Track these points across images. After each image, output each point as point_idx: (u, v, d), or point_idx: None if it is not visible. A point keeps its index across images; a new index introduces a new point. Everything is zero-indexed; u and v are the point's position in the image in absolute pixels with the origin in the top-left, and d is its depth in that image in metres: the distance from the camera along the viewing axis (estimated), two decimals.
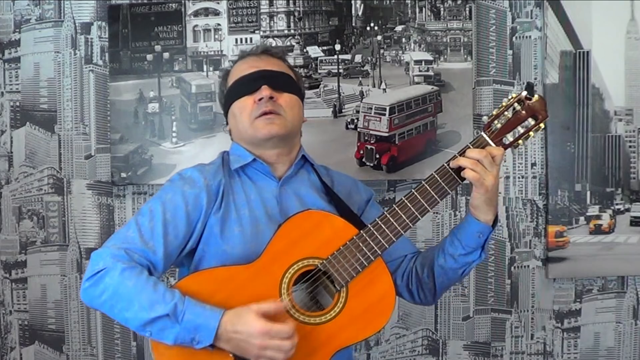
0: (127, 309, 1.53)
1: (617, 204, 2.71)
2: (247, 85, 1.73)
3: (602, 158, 2.71)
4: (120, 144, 2.64)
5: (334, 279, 1.61)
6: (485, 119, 1.66)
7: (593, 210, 2.71)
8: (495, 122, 1.64)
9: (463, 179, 1.62)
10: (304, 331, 1.58)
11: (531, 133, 1.66)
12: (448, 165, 1.63)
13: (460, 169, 1.61)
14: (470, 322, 2.76)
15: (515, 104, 1.64)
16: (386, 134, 2.63)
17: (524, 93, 1.65)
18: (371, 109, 2.64)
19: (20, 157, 2.74)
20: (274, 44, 2.65)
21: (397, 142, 2.64)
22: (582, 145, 2.70)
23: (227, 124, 1.84)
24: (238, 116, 1.75)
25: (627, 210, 2.72)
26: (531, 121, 1.65)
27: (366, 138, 2.64)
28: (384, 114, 2.63)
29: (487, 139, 1.63)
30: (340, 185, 1.84)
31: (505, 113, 1.64)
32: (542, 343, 2.76)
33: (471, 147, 1.62)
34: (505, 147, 1.64)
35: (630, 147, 2.72)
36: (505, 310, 2.76)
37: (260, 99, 1.71)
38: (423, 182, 1.63)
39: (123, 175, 2.64)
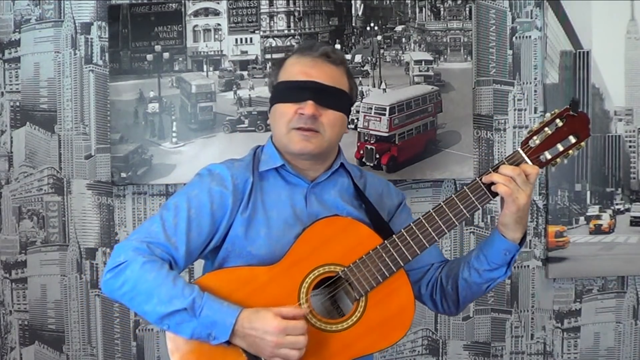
0: (146, 301, 1.54)
1: (617, 204, 2.71)
2: (294, 93, 1.68)
3: (602, 158, 2.71)
4: (120, 144, 2.64)
5: (354, 288, 1.60)
6: (525, 132, 1.62)
7: (593, 210, 2.71)
8: (534, 137, 1.59)
9: (495, 194, 1.59)
10: (320, 337, 1.58)
11: (571, 152, 1.61)
12: (480, 179, 1.60)
13: (492, 185, 1.58)
14: (470, 322, 2.76)
15: (557, 120, 1.59)
16: (386, 134, 2.63)
17: (564, 108, 1.59)
18: (371, 109, 2.64)
19: (20, 157, 2.74)
20: (274, 44, 2.65)
21: (397, 142, 2.64)
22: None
23: (269, 112, 1.78)
24: (277, 120, 1.71)
25: (627, 210, 2.72)
26: (572, 139, 1.60)
27: (366, 138, 2.64)
28: (384, 114, 2.63)
29: (524, 155, 1.60)
30: (372, 188, 1.82)
31: (546, 129, 1.59)
32: (542, 343, 2.76)
33: (506, 162, 1.59)
34: (542, 165, 1.61)
35: (630, 147, 2.72)
36: (505, 310, 2.76)
37: (302, 114, 1.66)
38: (453, 196, 1.61)
39: (123, 175, 2.64)
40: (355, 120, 2.64)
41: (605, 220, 2.71)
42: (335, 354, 1.59)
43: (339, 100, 1.71)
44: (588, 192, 2.71)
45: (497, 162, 1.65)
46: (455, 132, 2.65)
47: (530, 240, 2.74)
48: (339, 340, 1.59)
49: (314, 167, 1.74)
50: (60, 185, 2.73)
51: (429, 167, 2.64)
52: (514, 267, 2.74)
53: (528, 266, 2.75)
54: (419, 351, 2.76)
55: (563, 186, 2.70)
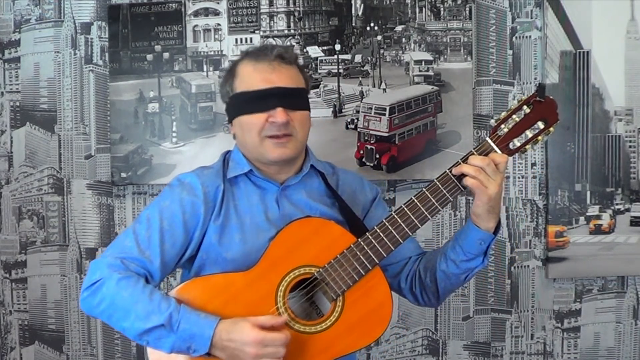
0: (124, 318, 1.54)
1: (617, 204, 2.71)
2: (260, 102, 1.66)
3: (602, 158, 2.71)
4: (120, 144, 2.64)
5: (331, 288, 1.60)
6: (492, 122, 1.60)
7: (593, 210, 2.71)
8: (502, 126, 1.58)
9: (465, 186, 1.58)
10: (301, 340, 1.57)
11: (540, 137, 1.59)
12: (450, 172, 1.59)
13: (462, 176, 1.57)
14: (470, 322, 2.76)
15: (524, 107, 1.58)
16: (386, 134, 2.63)
17: (531, 94, 1.58)
18: (371, 109, 2.64)
19: (20, 157, 2.74)
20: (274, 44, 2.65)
21: (397, 142, 2.64)
22: (582, 145, 2.70)
23: (229, 123, 1.76)
24: (246, 132, 1.69)
25: (627, 210, 2.72)
26: (540, 125, 1.58)
27: (366, 138, 2.64)
28: (384, 114, 2.62)
29: (492, 144, 1.58)
30: (345, 185, 1.81)
31: (513, 116, 1.57)
32: (542, 343, 2.76)
33: (475, 153, 1.58)
34: (511, 153, 1.59)
35: (630, 147, 2.72)
36: (505, 310, 2.76)
37: (274, 122, 1.64)
38: (424, 189, 1.60)
39: (123, 175, 2.64)
40: (355, 120, 2.64)
41: (605, 220, 2.71)
42: (315, 355, 1.58)
43: (302, 99, 1.72)
44: (588, 192, 2.71)
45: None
46: (455, 132, 2.65)
47: (530, 240, 2.74)
48: (319, 341, 1.59)
49: (283, 170, 1.73)
50: (60, 185, 2.73)
51: (429, 167, 2.64)
52: (514, 268, 2.74)
53: (528, 266, 2.75)
54: (419, 351, 2.76)
55: (563, 186, 2.70)
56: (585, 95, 2.69)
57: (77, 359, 2.75)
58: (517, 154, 1.60)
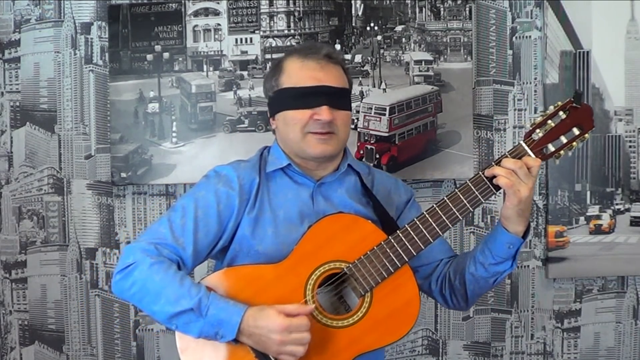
0: (154, 302, 1.57)
1: (617, 204, 2.71)
2: (306, 99, 1.68)
3: (602, 158, 2.71)
4: (120, 144, 2.64)
5: (359, 284, 1.61)
6: (527, 126, 1.61)
7: (593, 210, 2.71)
8: (537, 130, 1.59)
9: (498, 188, 1.59)
10: (327, 334, 1.59)
11: (574, 143, 1.60)
12: (483, 173, 1.60)
13: (494, 178, 1.58)
14: (470, 322, 2.76)
15: (560, 112, 1.58)
16: (386, 134, 2.63)
17: (567, 100, 1.59)
18: (371, 109, 2.64)
19: (20, 157, 2.74)
20: (274, 44, 2.65)
21: (397, 142, 2.64)
22: (582, 145, 2.69)
23: (270, 117, 1.78)
24: (290, 126, 1.71)
25: (627, 210, 2.72)
26: (576, 131, 1.58)
27: (366, 138, 2.64)
28: (384, 114, 2.63)
29: (526, 148, 1.59)
30: (380, 185, 1.84)
31: (549, 122, 1.58)
32: (542, 343, 2.76)
33: (508, 156, 1.59)
34: (545, 157, 1.60)
35: (630, 147, 2.72)
36: (505, 310, 2.76)
37: (318, 119, 1.67)
38: (456, 190, 1.61)
39: (123, 175, 2.64)
40: (355, 120, 2.64)
41: (605, 220, 2.71)
42: (342, 349, 1.60)
43: (347, 99, 1.75)
44: (588, 192, 2.71)
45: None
46: (455, 132, 2.65)
47: (530, 240, 2.74)
48: (345, 336, 1.60)
49: (321, 167, 1.75)
50: (60, 185, 2.73)
51: (429, 167, 2.64)
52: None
53: (528, 266, 2.75)
54: (419, 351, 2.76)
55: (563, 186, 2.70)
56: (585, 95, 2.69)
57: (77, 359, 2.75)
58: (551, 159, 1.61)
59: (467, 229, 2.73)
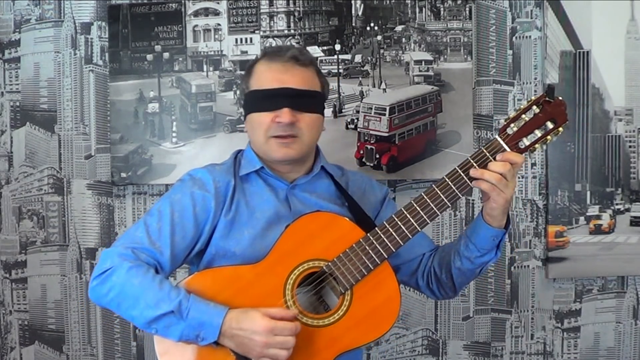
0: (133, 306, 1.55)
1: (617, 204, 2.71)
2: (268, 101, 1.68)
3: (602, 158, 2.71)
4: (120, 144, 2.64)
5: (339, 282, 1.61)
6: (502, 121, 1.62)
7: (593, 210, 2.71)
8: (512, 125, 1.60)
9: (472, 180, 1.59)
10: (307, 333, 1.58)
11: (549, 137, 1.61)
12: (461, 170, 1.60)
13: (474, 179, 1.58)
14: (470, 322, 2.76)
15: (534, 107, 1.59)
16: (386, 134, 2.63)
17: (540, 95, 1.60)
18: (371, 109, 2.64)
19: (20, 157, 2.74)
20: (274, 44, 2.65)
21: (397, 142, 2.64)
22: (582, 145, 2.70)
23: (245, 120, 1.79)
24: (255, 129, 1.72)
25: (627, 210, 2.72)
26: (550, 125, 1.60)
27: (366, 138, 2.64)
28: (384, 114, 2.63)
29: (502, 143, 1.59)
30: (354, 186, 1.83)
31: (523, 116, 1.59)
32: (542, 343, 2.76)
33: (485, 151, 1.59)
34: (521, 151, 1.60)
35: (630, 147, 2.72)
36: (505, 310, 2.76)
37: (279, 122, 1.66)
38: (434, 186, 1.61)
39: (123, 175, 2.64)
40: (355, 120, 2.64)
41: (605, 220, 2.71)
42: (322, 348, 1.59)
43: (313, 102, 1.72)
44: (588, 192, 2.71)
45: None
46: (455, 132, 2.65)
47: (530, 240, 2.74)
48: (326, 334, 1.59)
49: (294, 170, 1.75)
50: (60, 185, 2.73)
51: (429, 167, 2.64)
52: (514, 268, 2.75)
53: (528, 266, 2.75)
54: (419, 351, 2.76)
55: (563, 186, 2.70)
56: (585, 95, 2.69)
57: (77, 359, 2.75)
58: (526, 153, 1.62)
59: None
